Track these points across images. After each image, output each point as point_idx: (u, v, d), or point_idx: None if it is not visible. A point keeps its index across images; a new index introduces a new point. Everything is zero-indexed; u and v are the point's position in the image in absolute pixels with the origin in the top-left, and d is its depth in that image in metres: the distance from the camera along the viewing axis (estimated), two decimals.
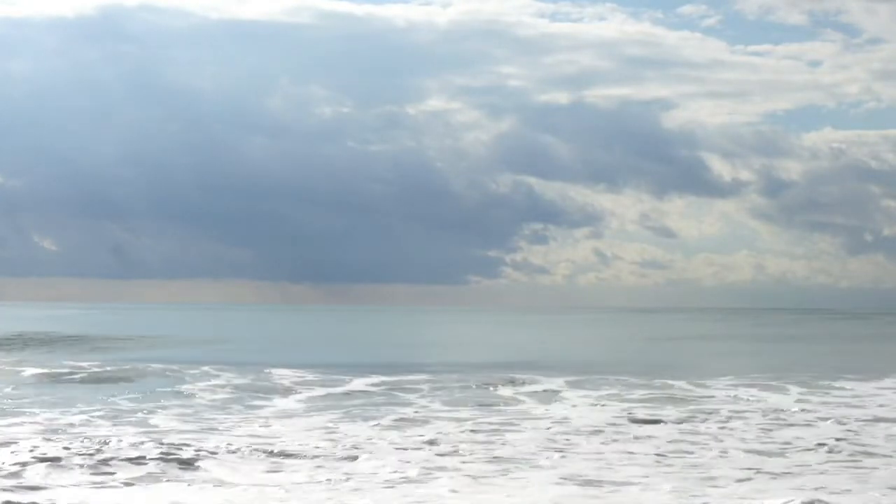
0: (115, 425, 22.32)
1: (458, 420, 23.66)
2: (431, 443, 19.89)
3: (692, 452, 18.91)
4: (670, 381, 33.16)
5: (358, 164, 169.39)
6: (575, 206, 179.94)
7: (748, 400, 27.94)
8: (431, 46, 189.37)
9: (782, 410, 25.49)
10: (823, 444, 19.90)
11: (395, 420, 23.65)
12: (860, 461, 18.06)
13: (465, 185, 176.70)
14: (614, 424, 22.92)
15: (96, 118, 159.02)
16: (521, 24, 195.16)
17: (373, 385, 32.24)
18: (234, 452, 18.34)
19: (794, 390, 30.57)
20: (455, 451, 18.85)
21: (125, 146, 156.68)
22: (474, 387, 31.90)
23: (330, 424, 22.80)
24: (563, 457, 18.44)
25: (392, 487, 15.58)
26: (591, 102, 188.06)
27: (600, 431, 21.76)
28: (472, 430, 21.68)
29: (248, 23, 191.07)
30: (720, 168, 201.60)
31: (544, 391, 30.58)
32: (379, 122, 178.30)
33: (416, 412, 25.32)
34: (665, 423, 23.22)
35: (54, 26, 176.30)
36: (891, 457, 18.38)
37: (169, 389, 30.77)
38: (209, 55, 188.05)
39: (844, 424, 22.79)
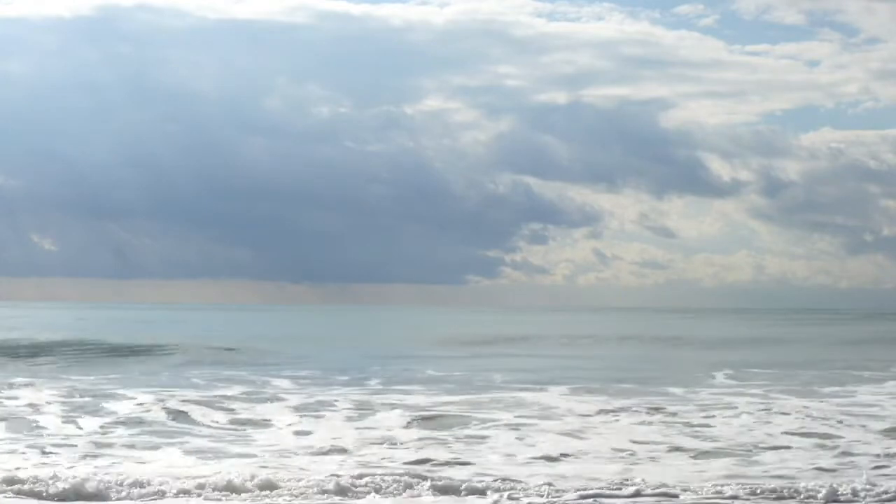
0: None
1: None
2: None
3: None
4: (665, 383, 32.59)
5: (356, 165, 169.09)
6: (574, 206, 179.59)
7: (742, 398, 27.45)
8: (429, 46, 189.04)
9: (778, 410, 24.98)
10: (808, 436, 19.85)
11: None
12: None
13: (464, 185, 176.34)
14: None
15: (94, 118, 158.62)
16: (519, 24, 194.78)
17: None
18: None
19: (796, 391, 29.93)
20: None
21: (123, 146, 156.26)
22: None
23: None
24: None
25: None
26: (589, 102, 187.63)
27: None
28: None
29: (246, 22, 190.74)
30: (719, 168, 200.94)
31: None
32: (377, 122, 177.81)
33: None
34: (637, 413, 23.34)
35: (51, 26, 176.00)
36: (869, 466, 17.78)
37: None
38: (207, 55, 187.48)
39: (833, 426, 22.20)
